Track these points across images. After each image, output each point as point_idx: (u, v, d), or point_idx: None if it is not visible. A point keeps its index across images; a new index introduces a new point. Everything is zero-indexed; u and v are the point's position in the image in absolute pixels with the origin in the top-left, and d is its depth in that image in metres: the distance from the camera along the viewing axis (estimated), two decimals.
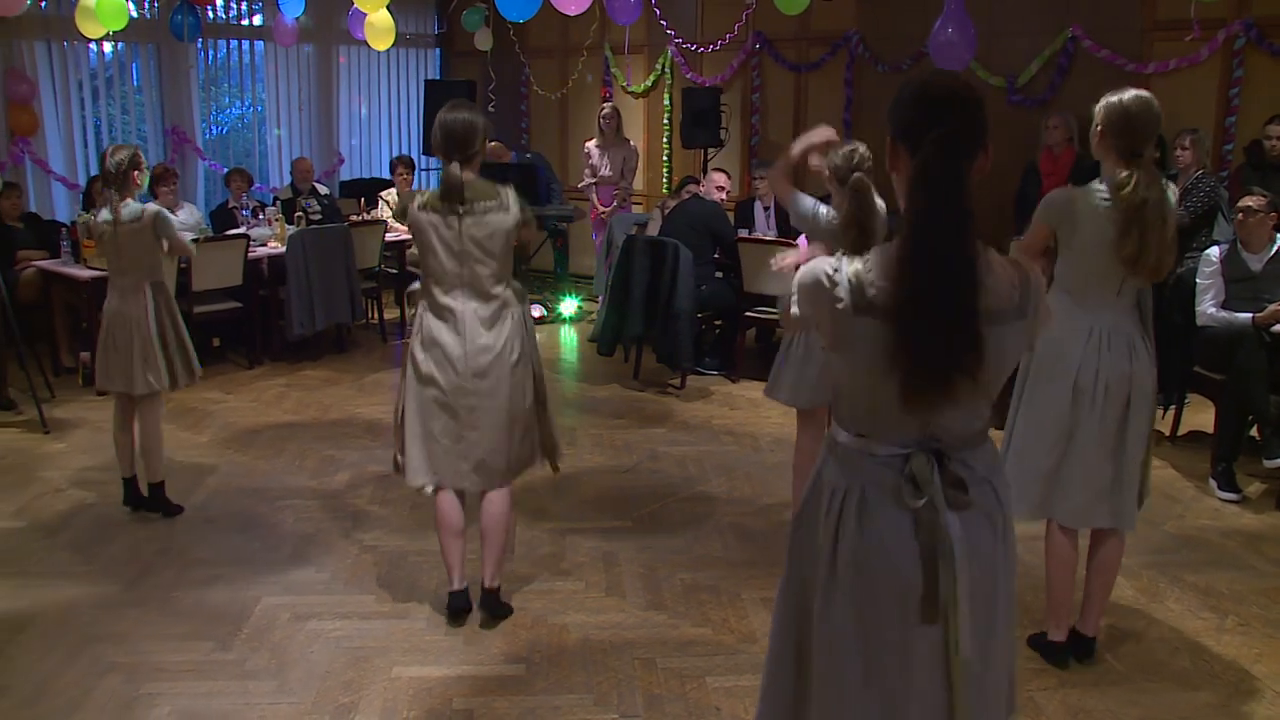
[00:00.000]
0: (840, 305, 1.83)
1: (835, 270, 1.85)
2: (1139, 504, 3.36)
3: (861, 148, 3.92)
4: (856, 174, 3.84)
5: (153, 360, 4.52)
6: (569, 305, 8.89)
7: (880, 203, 3.34)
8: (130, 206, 4.44)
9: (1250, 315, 5.06)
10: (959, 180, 1.78)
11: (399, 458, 3.68)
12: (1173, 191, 3.20)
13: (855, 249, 1.86)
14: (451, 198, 3.40)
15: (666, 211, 7.41)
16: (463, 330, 3.49)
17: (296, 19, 8.85)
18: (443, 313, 3.50)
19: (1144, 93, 3.15)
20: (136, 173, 4.48)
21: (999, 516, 1.94)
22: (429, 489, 3.63)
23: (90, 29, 7.22)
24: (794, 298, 1.97)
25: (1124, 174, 3.08)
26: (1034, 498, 3.32)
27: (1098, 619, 3.49)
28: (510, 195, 3.48)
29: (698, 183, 7.89)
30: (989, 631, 1.94)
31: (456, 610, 3.73)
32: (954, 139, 1.79)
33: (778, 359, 4.25)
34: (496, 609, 3.76)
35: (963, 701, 1.89)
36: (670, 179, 9.79)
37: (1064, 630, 3.46)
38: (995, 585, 1.94)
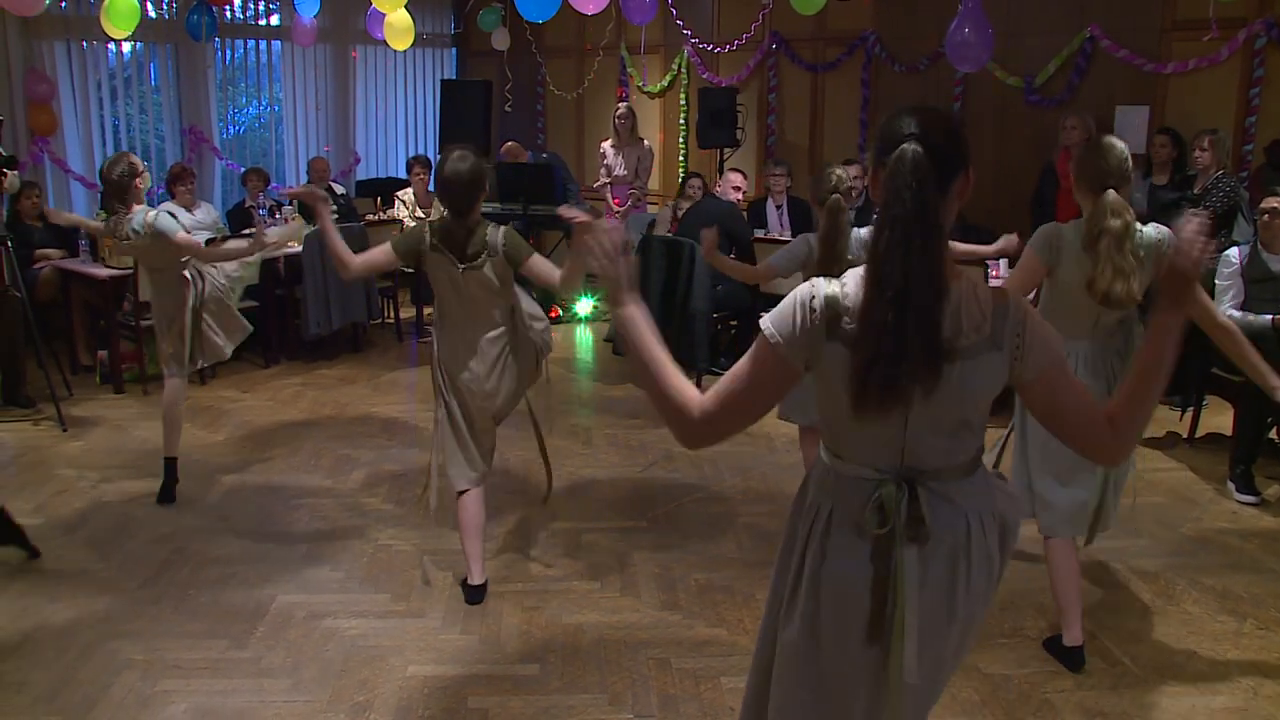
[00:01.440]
0: (815, 319, 1.83)
1: (814, 286, 1.88)
2: (1107, 523, 3.47)
3: (839, 170, 3.98)
4: (834, 195, 3.89)
5: (181, 343, 4.73)
6: (585, 305, 8.89)
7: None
8: (136, 216, 4.48)
9: (1270, 316, 5.02)
10: (920, 204, 1.74)
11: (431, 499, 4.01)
12: (1143, 230, 3.23)
13: (824, 265, 1.87)
14: (452, 249, 3.68)
15: (679, 212, 7.40)
16: (474, 356, 3.78)
17: (314, 18, 8.86)
18: (458, 340, 3.79)
19: (1110, 137, 3.30)
20: (138, 180, 4.53)
21: (962, 561, 1.87)
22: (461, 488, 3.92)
23: (114, 30, 7.25)
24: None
25: (1089, 208, 3.23)
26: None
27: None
28: (499, 237, 3.67)
29: (701, 179, 7.88)
30: (936, 663, 1.93)
31: (474, 601, 3.92)
32: (906, 165, 1.74)
33: None
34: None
35: None
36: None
37: (1076, 634, 3.45)
38: (948, 623, 1.90)
